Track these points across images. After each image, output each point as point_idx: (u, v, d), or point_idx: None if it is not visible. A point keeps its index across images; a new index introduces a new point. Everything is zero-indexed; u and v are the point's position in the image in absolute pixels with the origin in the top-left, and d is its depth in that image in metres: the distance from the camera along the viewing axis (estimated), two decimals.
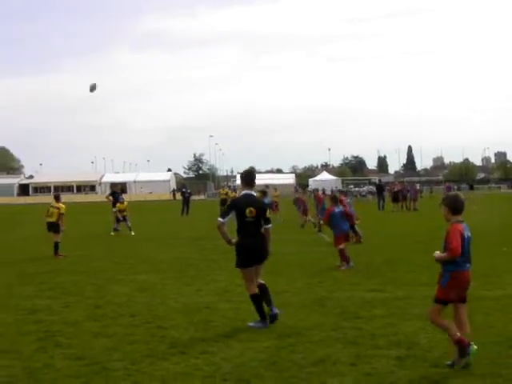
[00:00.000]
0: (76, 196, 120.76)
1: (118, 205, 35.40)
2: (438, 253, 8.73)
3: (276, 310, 11.45)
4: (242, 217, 11.31)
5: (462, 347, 8.50)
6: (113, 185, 66.58)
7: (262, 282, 11.56)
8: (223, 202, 52.13)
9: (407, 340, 10.02)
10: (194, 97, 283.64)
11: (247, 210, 11.29)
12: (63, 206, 24.79)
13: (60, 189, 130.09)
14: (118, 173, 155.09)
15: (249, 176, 11.85)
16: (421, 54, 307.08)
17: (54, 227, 24.36)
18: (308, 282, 16.28)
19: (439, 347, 9.57)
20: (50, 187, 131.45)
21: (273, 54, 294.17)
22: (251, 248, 11.40)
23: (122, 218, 34.83)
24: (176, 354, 9.65)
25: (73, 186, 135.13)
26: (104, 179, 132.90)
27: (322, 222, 28.47)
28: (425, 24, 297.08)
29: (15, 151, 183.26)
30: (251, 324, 11.31)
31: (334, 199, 20.68)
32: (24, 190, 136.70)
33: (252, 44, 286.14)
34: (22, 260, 23.00)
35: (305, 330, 10.93)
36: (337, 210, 19.85)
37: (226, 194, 55.60)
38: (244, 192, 11.68)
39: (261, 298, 11.42)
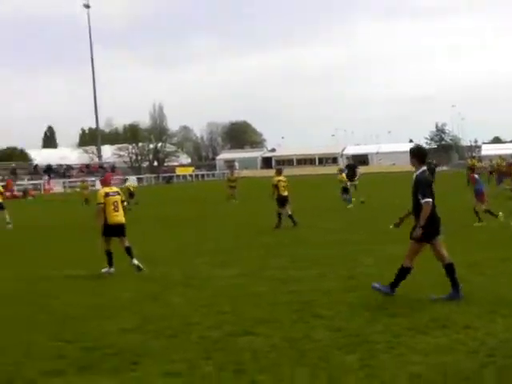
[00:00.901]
0: (318, 168, 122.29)
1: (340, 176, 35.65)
2: None
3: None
4: (431, 192, 11.25)
5: None
6: (350, 158, 66.82)
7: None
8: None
9: None
10: (435, 66, 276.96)
11: (433, 185, 11.37)
12: None
13: (302, 161, 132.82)
14: (358, 145, 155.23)
15: (425, 154, 11.85)
16: None
17: (287, 200, 24.89)
18: None
19: None
20: (293, 160, 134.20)
21: None
22: (439, 221, 11.36)
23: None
24: (437, 328, 9.32)
25: (315, 159, 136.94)
26: (346, 151, 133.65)
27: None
28: None
29: (257, 125, 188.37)
30: (377, 285, 11.48)
31: None
32: (267, 163, 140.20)
33: (494, 10, 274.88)
34: (265, 232, 23.50)
35: None
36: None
37: (474, 164, 54.43)
38: (424, 168, 11.45)
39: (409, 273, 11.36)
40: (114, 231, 15.89)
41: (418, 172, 11.34)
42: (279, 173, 26.18)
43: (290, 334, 9.33)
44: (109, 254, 15.76)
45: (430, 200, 11.04)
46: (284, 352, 8.47)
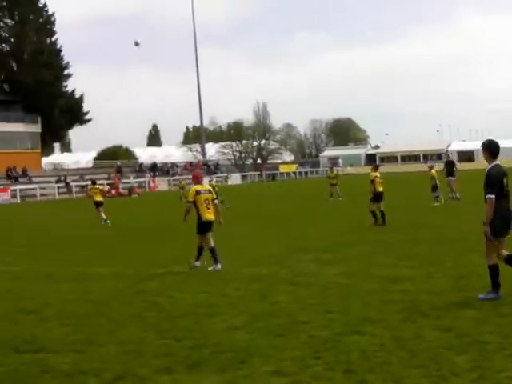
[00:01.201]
0: (422, 165, 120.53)
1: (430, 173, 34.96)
2: None
3: None
4: (501, 187, 11.02)
5: None
6: (448, 154, 65.53)
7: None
8: None
9: None
10: None
11: (504, 180, 11.09)
12: None
13: (406, 158, 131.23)
14: (464, 141, 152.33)
15: (497, 148, 11.40)
16: None
17: (382, 197, 24.89)
18: None
19: None
20: (397, 157, 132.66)
21: None
22: (508, 218, 11.09)
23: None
24: None
25: (419, 155, 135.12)
26: (451, 147, 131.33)
27: None
28: None
29: (361, 122, 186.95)
30: (481, 296, 11.08)
31: None
32: (371, 159, 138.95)
33: None
34: (370, 229, 23.41)
35: None
36: None
37: None
38: (496, 163, 11.17)
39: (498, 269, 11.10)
40: (208, 228, 16.10)
41: (489, 166, 11.16)
42: (376, 169, 26.42)
43: (399, 333, 9.21)
44: (212, 251, 15.93)
45: (493, 196, 10.83)
46: (393, 352, 8.36)
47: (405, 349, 8.45)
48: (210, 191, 16.49)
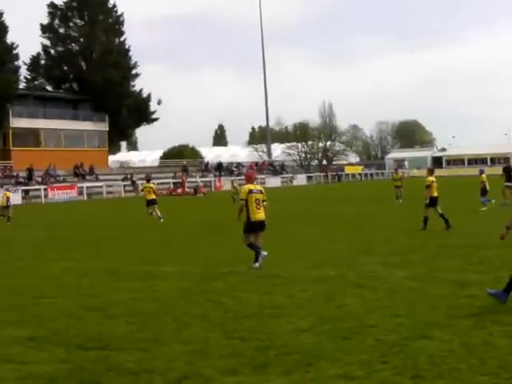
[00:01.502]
0: (489, 168, 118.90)
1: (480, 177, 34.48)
2: None
3: None
4: None
5: None
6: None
7: None
8: None
9: None
10: None
11: None
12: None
13: (473, 161, 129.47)
14: None
15: None
16: None
17: (437, 202, 24.42)
18: None
19: None
20: (464, 160, 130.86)
21: None
22: None
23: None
24: None
25: (486, 159, 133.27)
26: None
27: None
28: None
29: (427, 124, 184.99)
30: None
31: None
32: (437, 162, 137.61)
33: None
34: (435, 233, 22.95)
35: None
36: None
37: None
38: None
39: None
40: (256, 228, 16.36)
41: None
42: (431, 173, 25.59)
43: (468, 339, 9.03)
44: (252, 246, 16.23)
45: None
46: (462, 358, 8.19)
47: (474, 355, 8.28)
48: (261, 191, 16.69)
